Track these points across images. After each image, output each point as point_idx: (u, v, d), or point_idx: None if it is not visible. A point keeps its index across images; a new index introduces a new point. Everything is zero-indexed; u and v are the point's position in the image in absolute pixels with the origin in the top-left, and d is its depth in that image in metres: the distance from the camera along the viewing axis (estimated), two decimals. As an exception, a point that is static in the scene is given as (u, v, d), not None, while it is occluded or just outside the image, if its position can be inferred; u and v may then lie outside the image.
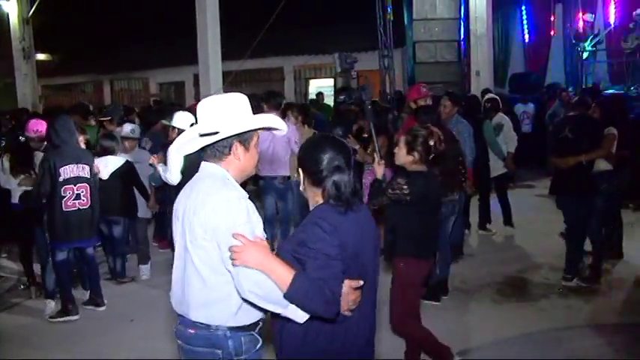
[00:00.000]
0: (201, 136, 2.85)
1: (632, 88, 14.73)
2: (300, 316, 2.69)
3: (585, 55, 16.78)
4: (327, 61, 22.94)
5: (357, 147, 7.26)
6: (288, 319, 2.72)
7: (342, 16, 19.90)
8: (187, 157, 6.47)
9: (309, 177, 2.92)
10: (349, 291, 2.73)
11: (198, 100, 16.64)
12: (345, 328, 2.81)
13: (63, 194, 6.31)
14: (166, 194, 7.48)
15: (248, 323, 2.87)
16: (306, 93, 23.34)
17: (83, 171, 6.41)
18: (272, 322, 2.88)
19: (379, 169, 4.74)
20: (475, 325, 6.08)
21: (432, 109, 6.91)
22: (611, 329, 5.85)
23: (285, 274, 2.60)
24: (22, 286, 7.59)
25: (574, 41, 16.83)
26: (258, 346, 2.93)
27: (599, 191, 6.84)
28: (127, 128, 7.98)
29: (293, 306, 2.65)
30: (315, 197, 2.92)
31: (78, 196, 6.38)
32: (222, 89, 15.71)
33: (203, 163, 2.96)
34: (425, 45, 16.48)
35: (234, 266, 2.65)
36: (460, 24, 16.35)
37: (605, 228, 7.45)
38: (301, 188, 3.01)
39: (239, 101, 2.93)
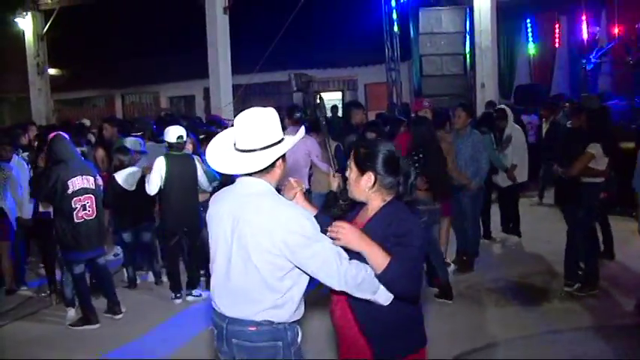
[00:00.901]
0: (263, 149, 3.07)
1: (636, 99, 14.92)
2: (385, 299, 3.04)
3: (590, 66, 17.00)
4: (334, 74, 23.31)
5: None
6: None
7: (350, 30, 20.18)
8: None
9: (383, 180, 3.18)
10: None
11: (208, 113, 17.02)
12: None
13: (74, 206, 6.55)
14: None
15: (300, 317, 3.22)
16: (315, 105, 23.58)
17: (88, 182, 6.67)
18: (339, 302, 3.22)
19: (334, 182, 4.99)
20: (479, 327, 6.30)
21: (425, 120, 7.14)
22: (611, 331, 6.04)
23: (382, 256, 2.96)
24: (42, 294, 7.87)
25: (578, 53, 17.05)
26: (300, 334, 3.26)
27: (581, 203, 7.04)
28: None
29: (381, 290, 3.01)
30: (381, 197, 3.21)
31: (84, 207, 6.62)
32: (233, 103, 16.02)
33: (247, 178, 3.13)
34: (431, 58, 16.71)
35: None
36: (465, 37, 16.61)
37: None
38: (357, 191, 3.25)
39: (275, 116, 3.17)
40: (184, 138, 7.37)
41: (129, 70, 25.69)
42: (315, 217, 3.16)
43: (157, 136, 9.01)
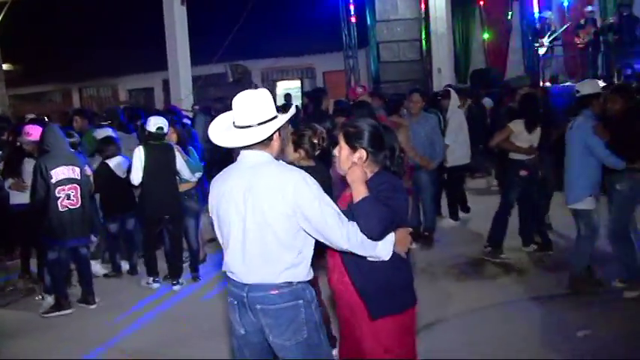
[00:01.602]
0: (260, 124, 3.33)
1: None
2: (386, 253, 3.41)
3: (543, 50, 17.41)
4: (292, 63, 23.43)
5: None
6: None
7: (307, 18, 20.32)
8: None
9: (373, 155, 3.57)
10: (406, 235, 3.54)
11: (168, 105, 17.01)
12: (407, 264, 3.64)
13: (57, 195, 6.70)
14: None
15: (312, 277, 3.46)
16: (274, 95, 23.73)
17: (73, 173, 6.80)
18: (335, 267, 3.60)
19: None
20: (440, 301, 6.55)
21: (365, 104, 7.42)
22: (563, 300, 6.36)
23: (364, 192, 3.34)
24: (10, 287, 7.94)
25: (531, 38, 17.42)
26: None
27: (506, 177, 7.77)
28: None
29: (380, 247, 3.36)
30: (370, 170, 3.57)
31: (68, 197, 6.76)
32: (192, 94, 16.06)
33: (249, 152, 3.39)
34: (388, 45, 17.00)
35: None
36: (421, 24, 16.90)
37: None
38: (346, 165, 3.56)
39: (269, 96, 3.45)
40: (164, 129, 7.46)
41: (86, 64, 25.42)
42: None
43: (126, 126, 9.10)
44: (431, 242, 8.55)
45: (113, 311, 6.89)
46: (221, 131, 3.45)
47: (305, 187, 3.29)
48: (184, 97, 16.03)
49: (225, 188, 3.42)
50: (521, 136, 7.53)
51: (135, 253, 8.18)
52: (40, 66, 26.21)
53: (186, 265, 7.91)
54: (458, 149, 9.42)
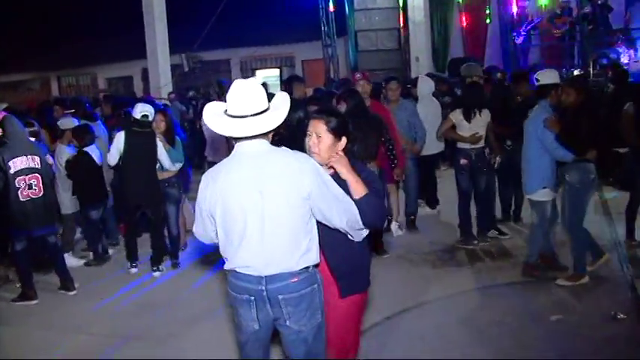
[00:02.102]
0: (262, 112, 3.35)
1: (563, 70, 15.56)
2: (360, 236, 3.59)
3: (520, 39, 17.59)
4: (272, 52, 23.45)
5: None
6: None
7: (286, 7, 20.37)
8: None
9: (349, 143, 3.76)
10: None
11: (147, 93, 17.00)
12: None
13: (17, 185, 6.70)
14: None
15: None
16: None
17: (33, 162, 6.79)
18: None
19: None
20: (417, 287, 6.70)
21: (354, 93, 7.40)
22: (535, 285, 6.52)
23: (363, 187, 3.53)
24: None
25: (509, 27, 17.59)
26: None
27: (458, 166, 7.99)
28: None
29: (364, 232, 3.57)
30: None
31: (30, 186, 6.76)
32: (172, 82, 16.06)
33: (251, 141, 3.36)
34: (366, 34, 17.07)
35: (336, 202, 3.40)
36: (399, 12, 16.98)
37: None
38: (328, 154, 3.66)
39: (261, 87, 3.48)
40: (149, 117, 7.50)
41: (65, 52, 25.31)
42: None
43: (92, 115, 9.19)
44: (414, 226, 8.75)
45: (93, 298, 6.97)
46: (223, 121, 3.36)
47: (317, 172, 3.37)
48: (163, 86, 16.02)
49: (230, 181, 3.36)
50: (462, 125, 7.76)
51: (103, 239, 8.32)
52: (19, 54, 26.04)
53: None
54: (428, 138, 9.44)
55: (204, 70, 20.22)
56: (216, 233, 3.49)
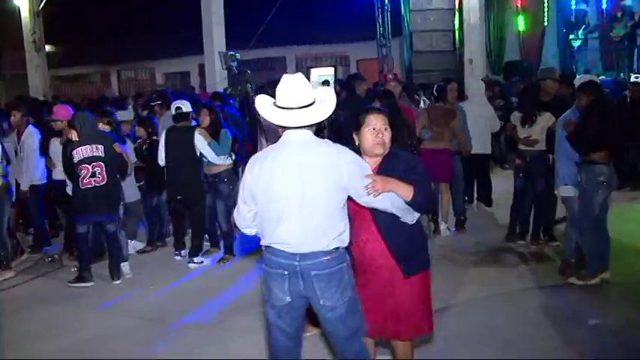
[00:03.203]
0: (310, 105, 3.65)
1: (621, 75, 15.32)
2: (412, 219, 3.90)
3: (577, 43, 17.36)
4: (327, 50, 23.59)
5: None
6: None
7: (342, 6, 20.46)
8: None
9: None
10: None
11: (204, 89, 17.32)
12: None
13: (79, 173, 7.07)
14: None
15: None
16: (309, 82, 23.88)
17: (97, 150, 7.11)
18: (367, 241, 3.99)
19: None
20: (458, 286, 6.76)
21: (388, 94, 7.53)
22: (577, 289, 6.50)
23: (408, 188, 3.77)
24: (48, 259, 8.37)
25: (565, 30, 17.38)
26: None
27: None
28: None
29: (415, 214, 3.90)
30: None
31: (93, 174, 7.08)
32: (227, 79, 16.30)
33: (295, 131, 3.67)
34: (422, 35, 17.10)
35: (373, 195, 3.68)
36: (455, 14, 16.95)
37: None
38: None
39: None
40: (182, 109, 7.76)
41: (125, 47, 25.87)
42: None
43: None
44: (462, 226, 8.89)
45: (144, 284, 7.27)
46: (274, 111, 3.67)
47: (354, 162, 3.69)
48: (219, 82, 16.29)
49: (276, 164, 3.63)
50: (520, 128, 7.89)
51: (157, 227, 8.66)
52: (81, 48, 26.73)
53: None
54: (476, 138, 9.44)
55: (259, 67, 20.45)
56: (252, 216, 3.80)
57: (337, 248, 3.68)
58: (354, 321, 3.77)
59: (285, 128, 3.69)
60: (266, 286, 3.78)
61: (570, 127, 6.51)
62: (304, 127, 3.66)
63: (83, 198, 7.12)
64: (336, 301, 3.67)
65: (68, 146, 7.18)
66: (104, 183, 7.13)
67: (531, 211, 8.07)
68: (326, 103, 3.71)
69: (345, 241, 3.73)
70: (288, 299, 3.70)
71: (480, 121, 8.96)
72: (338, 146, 3.75)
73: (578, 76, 7.63)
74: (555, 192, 7.08)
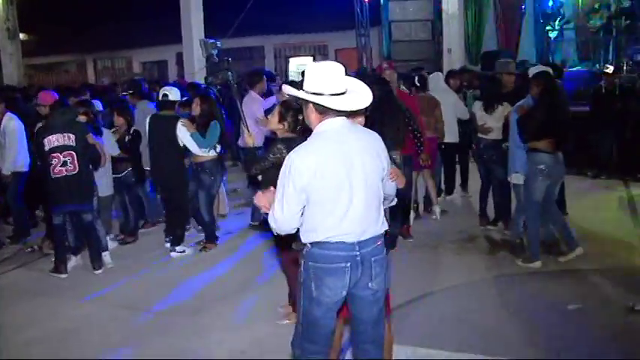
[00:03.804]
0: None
1: (596, 66, 15.46)
2: (389, 204, 4.05)
3: (554, 34, 17.45)
4: (305, 40, 23.56)
5: None
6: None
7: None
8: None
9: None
10: None
11: (181, 78, 17.23)
12: None
13: (50, 162, 6.93)
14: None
15: None
16: (287, 71, 23.91)
17: (69, 140, 6.96)
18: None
19: (249, 139, 5.40)
20: (439, 272, 6.86)
21: (382, 81, 7.55)
22: (558, 274, 6.62)
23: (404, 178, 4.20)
24: (28, 249, 8.30)
25: (542, 21, 17.47)
26: None
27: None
28: None
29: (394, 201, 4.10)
30: None
31: (65, 163, 6.94)
32: (206, 67, 16.24)
33: (335, 119, 3.55)
34: (400, 24, 17.08)
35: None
36: (433, 3, 16.98)
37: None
38: None
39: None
40: (168, 96, 7.74)
41: (101, 35, 25.67)
42: None
43: (149, 95, 9.70)
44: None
45: (126, 273, 7.25)
46: (331, 99, 3.49)
47: (384, 146, 3.75)
48: (197, 71, 16.22)
49: (325, 156, 3.49)
50: (481, 117, 8.10)
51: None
52: (56, 36, 26.45)
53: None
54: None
55: (237, 56, 20.39)
56: (300, 214, 3.59)
57: (385, 232, 3.72)
58: (384, 306, 3.84)
59: (325, 116, 3.55)
60: (313, 284, 3.57)
61: (520, 113, 6.82)
62: (341, 114, 3.56)
63: (55, 187, 6.98)
64: (381, 285, 3.69)
65: (40, 134, 7.06)
66: (76, 172, 6.97)
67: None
68: (359, 91, 3.62)
69: (385, 223, 3.75)
70: (344, 293, 3.61)
71: (447, 109, 9.04)
72: (366, 129, 3.78)
73: (532, 67, 7.79)
74: (509, 179, 7.34)
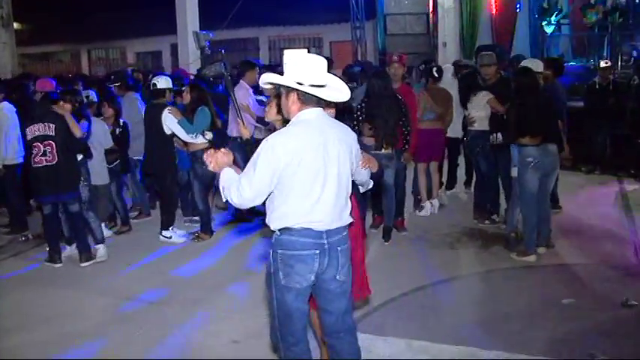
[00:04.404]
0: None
1: (591, 61, 15.49)
2: (365, 189, 4.30)
3: (550, 29, 17.45)
4: (300, 32, 23.50)
5: None
6: None
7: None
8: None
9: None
10: None
11: (175, 69, 17.15)
12: None
13: (32, 151, 6.92)
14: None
15: None
16: (281, 62, 23.81)
17: (49, 129, 6.90)
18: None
19: (244, 131, 5.66)
20: (433, 266, 6.86)
21: (384, 74, 7.69)
22: (552, 269, 6.65)
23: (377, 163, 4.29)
24: (27, 237, 8.36)
25: (537, 16, 17.47)
26: None
27: None
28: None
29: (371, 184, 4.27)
30: None
31: (44, 153, 6.89)
32: (200, 59, 16.21)
33: (313, 109, 3.62)
34: (395, 17, 17.11)
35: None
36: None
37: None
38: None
39: None
40: (157, 85, 7.83)
41: (95, 25, 25.53)
42: None
43: (135, 87, 9.62)
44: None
45: (121, 264, 7.22)
46: (318, 90, 3.56)
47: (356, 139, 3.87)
48: (192, 62, 16.17)
49: (303, 143, 3.53)
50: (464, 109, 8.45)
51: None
52: (50, 26, 26.31)
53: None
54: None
55: (232, 48, 20.33)
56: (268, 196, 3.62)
57: (351, 223, 3.78)
58: (351, 296, 3.88)
59: (306, 106, 3.61)
60: (282, 270, 3.61)
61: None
62: (320, 105, 3.64)
63: (35, 177, 6.98)
64: (347, 276, 3.74)
65: (25, 123, 7.09)
66: (55, 162, 6.90)
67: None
68: (338, 87, 3.67)
69: (350, 217, 3.80)
70: (313, 278, 3.64)
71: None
72: (343, 124, 3.88)
73: (525, 61, 7.87)
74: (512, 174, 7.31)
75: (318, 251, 3.59)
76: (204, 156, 3.77)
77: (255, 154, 3.55)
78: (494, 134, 7.84)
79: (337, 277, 3.68)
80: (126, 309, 5.98)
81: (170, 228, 7.94)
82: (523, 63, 7.63)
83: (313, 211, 3.57)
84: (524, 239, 6.98)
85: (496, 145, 7.80)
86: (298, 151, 3.51)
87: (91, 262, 7.17)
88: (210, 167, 3.72)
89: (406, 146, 7.58)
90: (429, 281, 6.36)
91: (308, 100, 3.60)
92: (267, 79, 3.72)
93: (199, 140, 7.70)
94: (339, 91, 3.64)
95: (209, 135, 7.74)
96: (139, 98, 8.93)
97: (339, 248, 3.67)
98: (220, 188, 3.68)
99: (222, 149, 3.75)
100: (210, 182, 7.91)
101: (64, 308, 6.03)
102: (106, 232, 7.89)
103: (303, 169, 3.52)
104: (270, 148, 3.50)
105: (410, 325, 5.33)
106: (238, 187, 3.54)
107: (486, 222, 8.17)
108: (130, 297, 6.25)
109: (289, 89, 3.61)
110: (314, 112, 3.63)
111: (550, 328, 5.23)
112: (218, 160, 3.68)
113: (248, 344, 5.13)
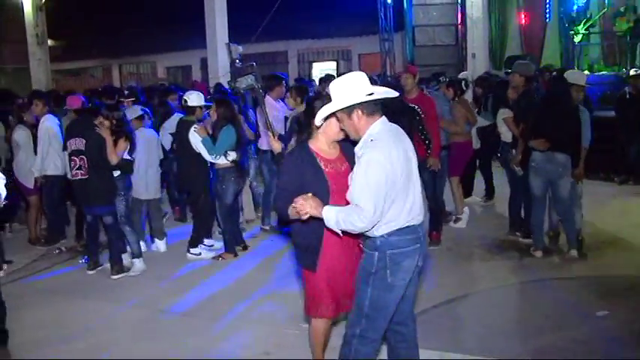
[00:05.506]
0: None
1: (623, 70, 15.31)
2: None
3: (578, 38, 17.31)
4: (329, 45, 23.59)
5: None
6: None
7: (345, 1, 20.47)
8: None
9: None
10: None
11: (206, 82, 17.35)
12: None
13: (70, 164, 7.25)
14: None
15: None
16: (310, 75, 23.95)
17: (81, 144, 7.10)
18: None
19: (276, 145, 5.42)
20: (465, 278, 6.84)
21: (398, 86, 7.62)
22: (585, 280, 6.58)
23: None
24: (56, 251, 8.45)
25: (567, 25, 17.34)
26: None
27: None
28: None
29: None
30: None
31: (80, 167, 7.12)
32: (230, 72, 16.34)
33: (380, 119, 3.80)
34: (424, 29, 17.10)
35: None
36: (457, 8, 16.96)
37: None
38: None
39: None
40: (187, 102, 7.78)
41: (126, 41, 25.89)
42: None
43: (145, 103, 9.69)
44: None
45: (156, 277, 7.30)
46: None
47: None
48: (222, 76, 16.32)
49: (396, 153, 3.73)
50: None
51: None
52: (83, 42, 26.75)
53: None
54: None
55: (261, 61, 20.42)
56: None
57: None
58: None
59: (374, 117, 3.77)
60: (390, 268, 3.81)
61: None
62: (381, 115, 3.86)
63: (74, 189, 7.39)
64: (424, 261, 4.06)
65: (65, 137, 7.41)
66: (86, 177, 7.10)
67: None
68: (381, 90, 3.89)
69: None
70: (417, 270, 3.98)
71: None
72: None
73: (569, 71, 7.83)
74: None
75: (418, 245, 3.89)
76: (297, 206, 3.85)
77: (357, 175, 3.70)
78: (513, 150, 7.87)
79: (419, 263, 3.96)
80: (158, 321, 6.05)
81: (198, 245, 7.92)
82: (569, 73, 7.50)
83: (411, 210, 3.84)
84: (533, 236, 7.43)
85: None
86: (394, 161, 3.70)
87: (122, 274, 7.25)
88: (308, 211, 3.83)
89: (428, 152, 7.52)
90: (460, 293, 6.33)
91: (372, 110, 3.77)
92: (324, 113, 3.84)
93: (222, 161, 7.49)
94: (387, 91, 3.86)
95: (231, 156, 7.46)
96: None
97: (424, 238, 4.01)
98: (332, 225, 3.78)
99: (309, 194, 3.89)
100: (229, 202, 7.72)
101: (91, 320, 6.11)
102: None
103: (401, 177, 3.74)
104: (377, 164, 3.65)
105: (442, 338, 5.31)
106: (358, 212, 3.65)
107: (517, 233, 8.07)
108: (162, 309, 6.31)
109: (351, 108, 3.75)
110: (384, 122, 3.84)
111: (584, 341, 5.18)
112: (312, 204, 3.83)
113: (280, 356, 5.15)
